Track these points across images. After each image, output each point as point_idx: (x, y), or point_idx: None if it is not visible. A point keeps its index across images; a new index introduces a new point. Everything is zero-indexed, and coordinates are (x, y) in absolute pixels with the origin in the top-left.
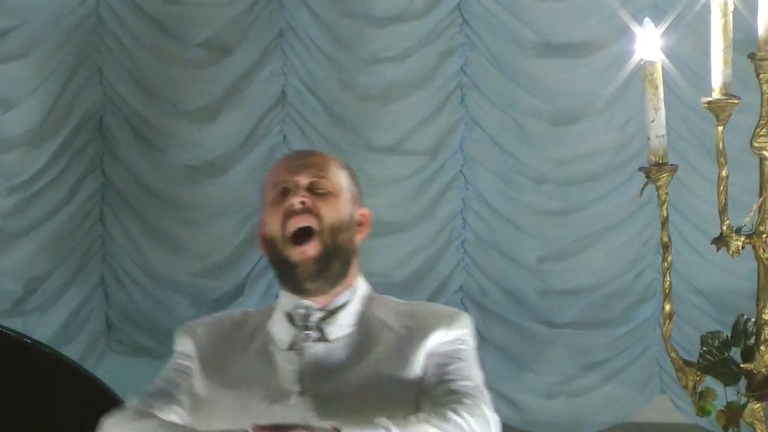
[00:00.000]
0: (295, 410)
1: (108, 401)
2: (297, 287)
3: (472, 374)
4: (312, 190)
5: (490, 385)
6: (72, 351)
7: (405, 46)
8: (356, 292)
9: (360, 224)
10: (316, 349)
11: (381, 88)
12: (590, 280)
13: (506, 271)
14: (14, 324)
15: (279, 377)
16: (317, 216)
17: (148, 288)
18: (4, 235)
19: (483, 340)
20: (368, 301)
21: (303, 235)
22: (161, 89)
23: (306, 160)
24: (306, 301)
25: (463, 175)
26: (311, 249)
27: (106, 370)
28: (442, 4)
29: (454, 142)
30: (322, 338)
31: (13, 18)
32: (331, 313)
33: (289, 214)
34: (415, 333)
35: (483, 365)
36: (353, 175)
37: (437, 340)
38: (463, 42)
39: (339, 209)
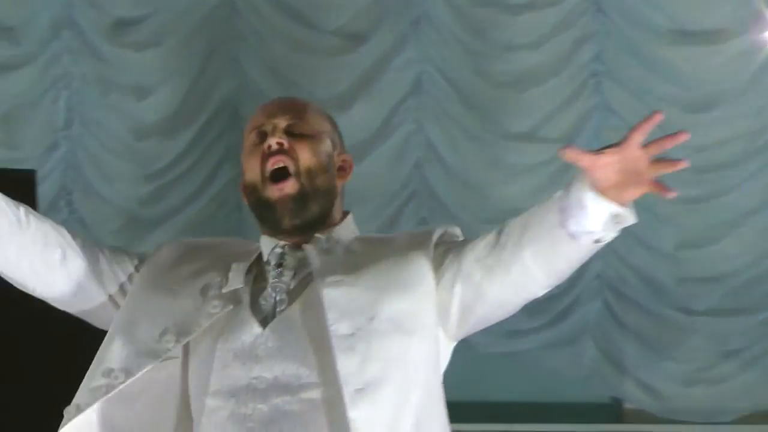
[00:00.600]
0: (237, 363)
1: None
2: (276, 226)
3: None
4: (290, 132)
5: (629, 372)
6: None
7: (539, 33)
8: (342, 229)
9: (341, 168)
10: (317, 249)
11: (516, 76)
12: (728, 267)
13: (644, 258)
14: None
15: (229, 277)
16: (294, 158)
17: None
18: (141, 222)
19: (622, 327)
20: (359, 238)
21: (280, 176)
22: (296, 77)
23: (285, 103)
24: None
25: None
26: (288, 187)
27: None
28: None
29: (589, 130)
30: (323, 249)
31: (146, 6)
32: (325, 227)
33: (267, 156)
34: (417, 235)
35: (622, 352)
36: (334, 124)
37: (436, 246)
38: (598, 29)
39: (317, 151)
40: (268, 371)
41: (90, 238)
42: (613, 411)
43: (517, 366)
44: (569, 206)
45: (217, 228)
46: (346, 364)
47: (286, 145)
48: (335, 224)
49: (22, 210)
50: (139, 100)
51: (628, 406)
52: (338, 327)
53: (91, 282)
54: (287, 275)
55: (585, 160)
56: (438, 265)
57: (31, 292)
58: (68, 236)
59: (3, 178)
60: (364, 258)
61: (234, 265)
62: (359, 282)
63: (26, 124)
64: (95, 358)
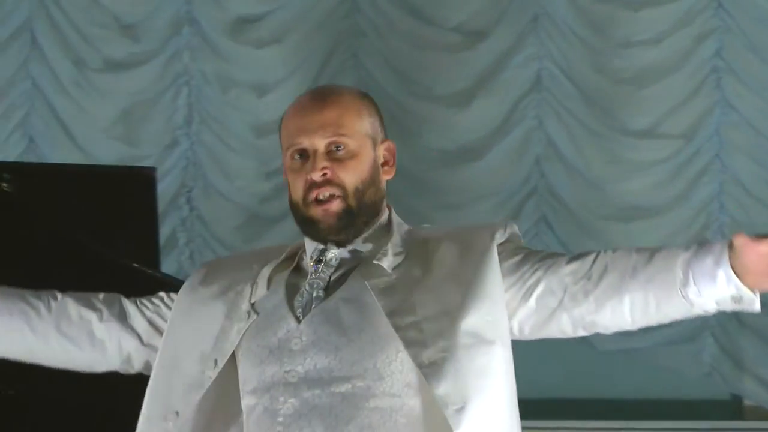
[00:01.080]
0: (281, 351)
1: None
2: (321, 239)
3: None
4: (330, 152)
5: (749, 369)
6: None
7: (659, 30)
8: (391, 222)
9: (385, 163)
10: (378, 289)
11: (635, 72)
12: None
13: None
14: None
15: (224, 331)
16: (340, 185)
17: None
18: (261, 219)
19: (741, 324)
20: (408, 232)
21: (326, 199)
22: (416, 74)
23: (322, 116)
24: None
25: (720, 159)
26: (334, 206)
27: None
28: None
29: (709, 126)
30: (375, 275)
31: (268, 3)
32: (378, 247)
33: (311, 185)
34: (473, 237)
35: (741, 349)
36: (372, 109)
37: (502, 246)
38: (718, 25)
39: (361, 170)
40: (300, 365)
41: (127, 299)
42: (733, 408)
43: (636, 363)
44: (700, 272)
45: None
46: (439, 387)
47: (329, 174)
48: (380, 222)
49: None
50: (260, 97)
51: (748, 403)
52: (422, 356)
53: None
54: (326, 272)
55: (748, 244)
56: (510, 271)
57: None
58: (93, 315)
59: (124, 175)
60: (426, 280)
61: (264, 269)
62: (430, 315)
63: (146, 121)
64: (146, 401)
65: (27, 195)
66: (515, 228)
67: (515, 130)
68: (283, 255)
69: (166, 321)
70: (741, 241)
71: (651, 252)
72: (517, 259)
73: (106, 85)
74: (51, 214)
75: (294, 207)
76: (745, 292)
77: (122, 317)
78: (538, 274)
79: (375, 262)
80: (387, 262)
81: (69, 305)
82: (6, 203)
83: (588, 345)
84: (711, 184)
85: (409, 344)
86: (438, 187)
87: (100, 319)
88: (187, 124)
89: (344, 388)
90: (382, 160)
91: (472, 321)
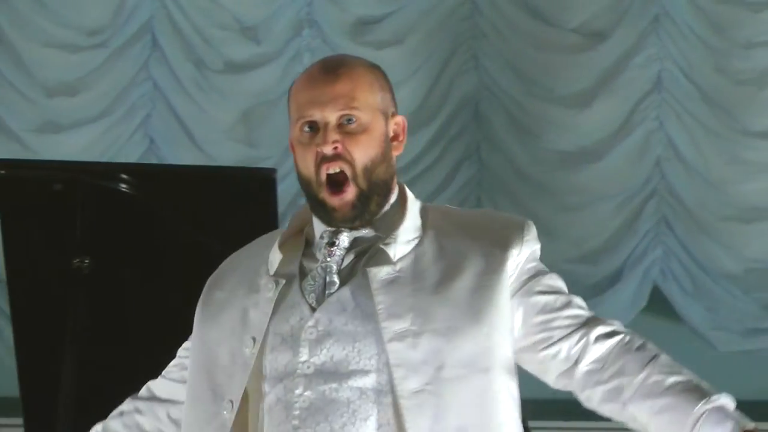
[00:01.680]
0: (297, 340)
1: None
2: (332, 224)
3: (572, 300)
4: (342, 125)
5: None
6: None
7: None
8: (408, 206)
9: (395, 137)
10: (379, 279)
11: (756, 73)
12: None
13: None
14: None
15: (257, 309)
16: (350, 162)
17: None
18: None
19: None
20: (423, 213)
21: (338, 183)
22: (537, 75)
23: (334, 88)
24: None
25: None
26: (348, 194)
27: None
28: None
29: None
30: (380, 263)
31: (389, 4)
32: (387, 231)
33: (321, 160)
34: (490, 241)
35: None
36: (383, 82)
37: (517, 253)
38: None
39: (372, 146)
40: (316, 356)
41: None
42: None
43: (758, 364)
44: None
45: None
46: (417, 423)
47: (340, 148)
48: (392, 201)
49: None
50: None
51: None
52: (405, 385)
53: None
54: (338, 254)
55: None
56: (526, 308)
57: None
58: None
59: (244, 176)
60: (432, 283)
61: (273, 247)
62: (426, 327)
63: (267, 122)
64: (187, 408)
65: (147, 196)
66: (533, 235)
67: (636, 132)
68: (291, 228)
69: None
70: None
71: (666, 377)
72: (537, 301)
73: (226, 87)
74: (171, 216)
75: (306, 183)
76: None
77: (159, 400)
78: (557, 337)
79: (382, 246)
80: (393, 250)
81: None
82: (126, 205)
83: (708, 346)
84: None
85: (396, 363)
86: (558, 188)
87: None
88: None
89: (363, 382)
90: (392, 134)
91: (465, 350)
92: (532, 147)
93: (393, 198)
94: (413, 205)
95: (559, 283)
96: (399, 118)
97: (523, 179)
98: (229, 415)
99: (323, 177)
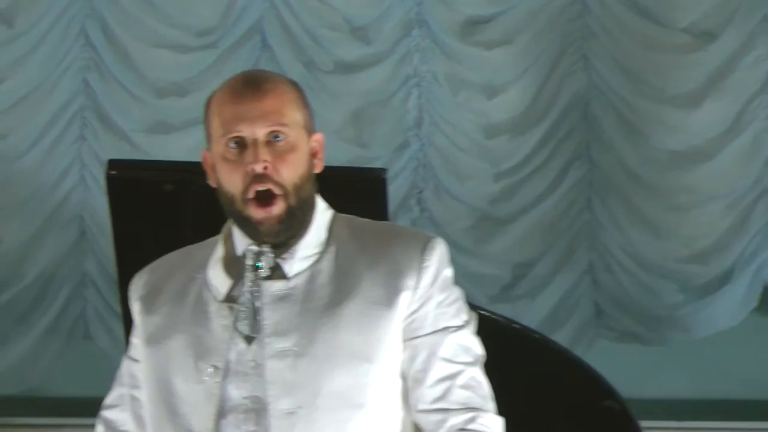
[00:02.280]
0: (236, 374)
1: (599, 388)
2: (256, 238)
3: (468, 346)
4: (270, 142)
5: None
6: (561, 337)
7: None
8: (315, 220)
9: (315, 153)
10: (271, 293)
11: None
12: None
13: None
14: (504, 310)
15: (210, 333)
16: (279, 182)
17: (635, 274)
18: (493, 220)
19: None
20: (331, 226)
21: (265, 197)
22: (646, 75)
23: (262, 104)
24: (256, 248)
25: None
26: (276, 209)
27: (596, 356)
28: None
29: None
30: (280, 276)
31: (498, 4)
32: (287, 246)
33: (252, 180)
34: (387, 268)
35: None
36: (304, 100)
37: (413, 286)
38: None
39: (300, 164)
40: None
41: None
42: None
43: None
44: None
45: (567, 226)
46: None
47: (270, 168)
48: (310, 218)
49: None
50: (489, 99)
51: None
52: (277, 404)
53: None
54: (263, 274)
55: None
56: (412, 349)
57: None
58: None
59: (354, 177)
60: (324, 304)
61: (210, 271)
62: (308, 350)
63: (377, 123)
64: None
65: None
66: (435, 259)
67: (746, 131)
68: (221, 250)
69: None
70: None
71: None
72: (418, 327)
73: (336, 87)
74: None
75: (229, 201)
76: None
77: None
78: (420, 356)
79: (278, 261)
80: (290, 266)
81: None
82: None
83: None
84: None
85: (272, 380)
86: (667, 188)
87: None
88: (418, 126)
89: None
90: (312, 151)
91: (342, 381)
92: (642, 147)
93: (311, 215)
94: (321, 217)
95: (464, 343)
96: (318, 135)
97: (632, 179)
98: None
99: (251, 194)
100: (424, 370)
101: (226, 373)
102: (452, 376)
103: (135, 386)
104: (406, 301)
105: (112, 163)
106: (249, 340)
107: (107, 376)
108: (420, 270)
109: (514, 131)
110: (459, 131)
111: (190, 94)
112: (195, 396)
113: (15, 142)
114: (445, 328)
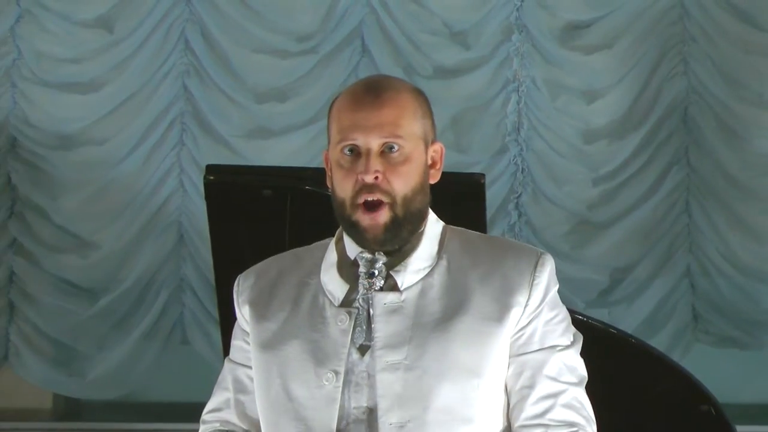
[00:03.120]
0: (349, 384)
1: (695, 392)
2: (363, 246)
3: (574, 366)
4: (384, 152)
5: None
6: (658, 341)
7: None
8: (427, 232)
9: (433, 165)
10: (383, 306)
11: None
12: None
13: None
14: (600, 314)
15: (328, 339)
16: (389, 192)
17: (733, 278)
18: (591, 225)
19: None
20: (442, 240)
21: (373, 204)
22: (745, 79)
23: (379, 114)
24: (369, 255)
25: None
26: (382, 216)
27: (693, 360)
28: None
29: None
30: (392, 288)
31: (598, 9)
32: (400, 257)
33: (361, 187)
34: (498, 283)
35: None
36: (426, 108)
37: (523, 302)
38: None
39: (413, 176)
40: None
41: None
42: None
43: None
44: None
45: (665, 230)
46: None
47: (380, 179)
48: (421, 230)
49: None
50: (588, 104)
51: None
52: (388, 417)
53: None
54: (379, 284)
55: None
56: (518, 365)
57: None
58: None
59: (453, 181)
60: (435, 319)
61: (323, 277)
62: (419, 364)
63: (476, 127)
64: None
65: None
66: (545, 276)
67: None
68: (334, 254)
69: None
70: None
71: None
72: (527, 343)
73: (435, 92)
74: None
75: (339, 205)
76: None
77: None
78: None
79: (391, 273)
80: (402, 278)
81: None
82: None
83: None
84: None
85: (382, 394)
86: (766, 192)
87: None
88: (516, 131)
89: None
90: (430, 162)
91: (451, 396)
92: (741, 151)
93: (424, 226)
94: (432, 229)
95: (570, 364)
96: (438, 146)
97: (731, 183)
98: None
99: (360, 201)
100: (529, 387)
101: (346, 377)
102: (556, 395)
103: (240, 391)
104: (516, 317)
105: (211, 169)
106: (362, 350)
107: (204, 380)
108: (531, 287)
109: (612, 136)
110: (557, 136)
111: (289, 100)
112: (315, 401)
113: (114, 147)
114: (553, 347)
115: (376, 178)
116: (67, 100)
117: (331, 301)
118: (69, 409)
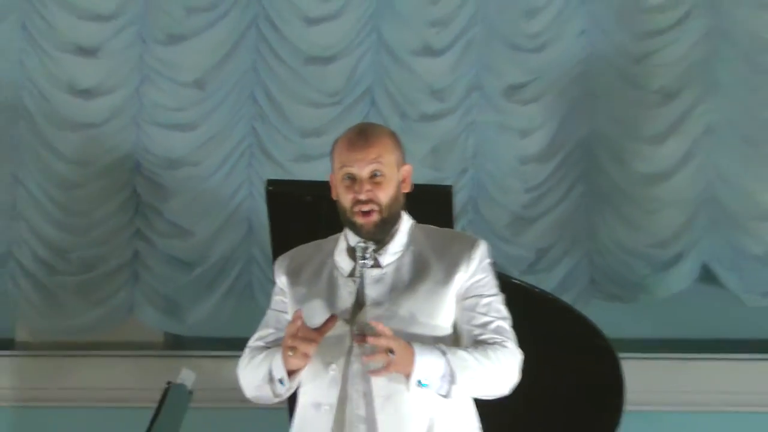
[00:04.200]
0: (352, 324)
1: (592, 331)
2: (359, 236)
3: (499, 308)
4: (372, 176)
5: None
6: (567, 297)
7: None
8: (400, 227)
9: (404, 180)
10: (371, 276)
11: None
12: None
13: None
14: (529, 279)
15: (339, 298)
16: (377, 203)
17: (618, 256)
18: (524, 220)
19: None
20: (411, 232)
21: (367, 212)
22: (629, 122)
23: (367, 151)
24: (363, 243)
25: None
26: (373, 218)
27: (591, 311)
28: None
29: None
30: (376, 265)
31: (530, 75)
32: (382, 245)
33: (357, 201)
34: (448, 260)
35: None
36: (398, 143)
37: (464, 270)
38: None
39: (392, 189)
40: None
41: None
42: None
43: None
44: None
45: (571, 226)
46: (378, 380)
47: (371, 194)
48: (397, 225)
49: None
50: (522, 138)
51: None
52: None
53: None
54: (369, 263)
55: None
56: (461, 299)
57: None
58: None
59: (431, 191)
60: (405, 285)
61: (336, 257)
62: (395, 314)
63: (448, 154)
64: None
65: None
66: (479, 252)
67: (693, 160)
68: (343, 242)
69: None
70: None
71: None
72: (469, 294)
73: (421, 131)
74: None
75: (343, 210)
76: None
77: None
78: (465, 317)
79: (377, 255)
80: (382, 259)
81: None
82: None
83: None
84: None
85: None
86: (642, 198)
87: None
88: (474, 157)
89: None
90: (402, 179)
91: (419, 332)
92: (626, 171)
93: (399, 223)
94: (404, 226)
95: (495, 306)
96: (407, 167)
97: (619, 193)
98: (336, 374)
99: (357, 209)
100: (469, 320)
101: (351, 323)
102: (487, 323)
103: (279, 329)
104: (460, 281)
105: (270, 182)
106: (359, 306)
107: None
108: (470, 260)
109: (539, 160)
110: (502, 160)
111: (324, 135)
112: (332, 338)
113: (206, 167)
114: (481, 295)
115: (368, 194)
116: (174, 136)
117: (341, 274)
118: (175, 342)
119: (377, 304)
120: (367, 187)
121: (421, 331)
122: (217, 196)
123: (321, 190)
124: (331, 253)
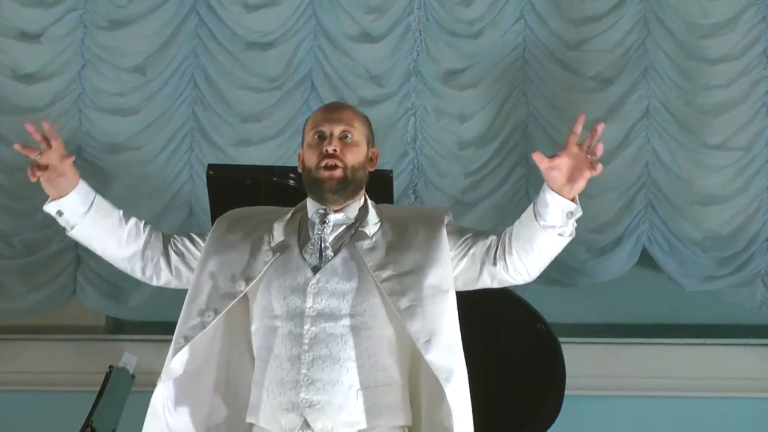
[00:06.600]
0: (295, 293)
1: (532, 316)
2: (321, 197)
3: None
4: (341, 138)
5: None
6: None
7: (727, 78)
8: (367, 203)
9: (371, 159)
10: (363, 248)
11: (712, 106)
12: None
13: None
14: None
15: (255, 261)
16: (343, 161)
17: None
18: (463, 204)
19: None
20: (377, 207)
21: (332, 166)
22: (566, 108)
23: (340, 114)
24: (323, 210)
25: None
26: (336, 173)
27: (530, 296)
28: None
29: (761, 142)
30: (359, 239)
31: (468, 60)
32: (359, 219)
33: (324, 155)
34: (424, 216)
35: None
36: (370, 124)
37: (446, 218)
38: (766, 75)
39: (359, 154)
40: (317, 304)
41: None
42: None
43: (713, 299)
44: (539, 205)
45: (512, 210)
46: (413, 326)
47: (338, 151)
48: (360, 199)
49: (120, 212)
50: (461, 123)
51: None
52: (400, 303)
53: (163, 259)
54: (327, 231)
55: (543, 162)
56: (453, 242)
57: (131, 274)
58: (147, 229)
59: (372, 175)
60: (398, 243)
61: (275, 224)
62: (402, 269)
63: (387, 139)
64: (186, 303)
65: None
66: (451, 214)
67: (631, 146)
68: (289, 214)
69: (192, 255)
70: (542, 164)
71: (521, 215)
72: (457, 234)
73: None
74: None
75: (306, 171)
76: (567, 203)
77: (166, 245)
78: (469, 243)
79: (360, 229)
80: (368, 230)
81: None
82: (291, 195)
83: (681, 288)
84: (762, 181)
85: (390, 293)
86: None
87: (148, 242)
88: (414, 141)
89: (350, 321)
90: (370, 156)
91: (432, 277)
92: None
93: (361, 198)
94: (372, 206)
95: (470, 229)
96: (376, 150)
97: None
98: (210, 320)
99: (323, 164)
100: (482, 244)
101: (278, 292)
102: (487, 234)
103: (179, 253)
104: (446, 228)
105: (211, 167)
106: (315, 270)
107: None
108: (448, 215)
109: (477, 145)
110: (441, 145)
111: (263, 120)
112: (218, 292)
113: (147, 151)
114: (468, 229)
115: (335, 150)
116: (116, 121)
117: (268, 242)
118: (116, 326)
119: (381, 267)
120: (336, 144)
121: (433, 279)
122: (159, 180)
123: (260, 174)
124: (273, 220)
